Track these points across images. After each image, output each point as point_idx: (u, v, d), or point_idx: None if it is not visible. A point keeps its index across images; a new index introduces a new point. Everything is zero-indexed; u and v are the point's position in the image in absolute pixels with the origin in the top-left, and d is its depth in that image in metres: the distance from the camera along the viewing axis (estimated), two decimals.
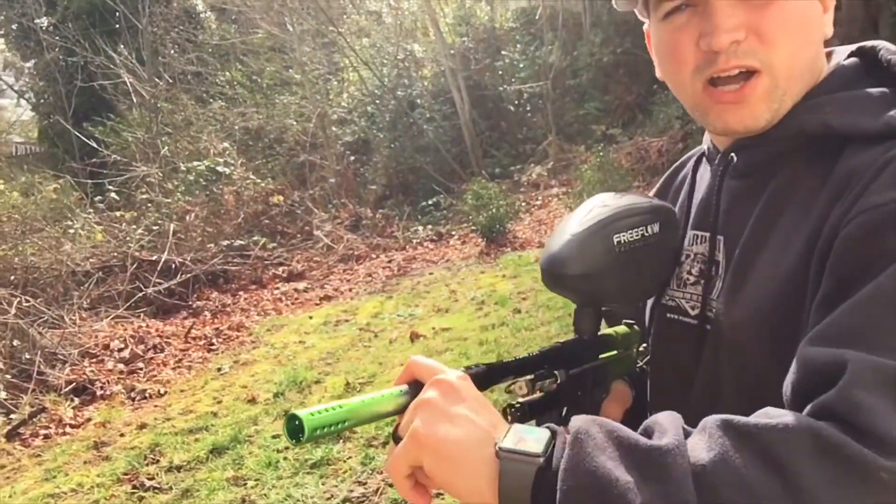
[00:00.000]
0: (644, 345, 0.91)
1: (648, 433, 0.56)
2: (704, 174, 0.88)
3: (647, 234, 0.80)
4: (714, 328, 0.78)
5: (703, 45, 0.71)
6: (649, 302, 0.91)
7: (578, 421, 0.56)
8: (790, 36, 0.70)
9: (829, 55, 0.81)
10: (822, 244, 0.66)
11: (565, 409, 0.79)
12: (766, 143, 0.77)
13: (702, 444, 0.53)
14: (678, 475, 0.51)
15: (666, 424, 0.56)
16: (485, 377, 0.68)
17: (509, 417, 0.71)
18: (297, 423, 0.55)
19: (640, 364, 0.91)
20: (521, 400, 0.73)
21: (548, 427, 0.57)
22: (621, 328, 0.89)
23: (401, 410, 0.62)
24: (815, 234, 0.67)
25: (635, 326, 0.90)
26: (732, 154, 0.79)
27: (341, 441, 3.66)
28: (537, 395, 0.74)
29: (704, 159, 0.89)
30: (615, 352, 0.86)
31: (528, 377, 0.73)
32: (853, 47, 0.79)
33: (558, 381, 0.75)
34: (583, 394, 0.80)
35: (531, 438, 0.55)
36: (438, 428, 0.56)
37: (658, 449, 0.53)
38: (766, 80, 0.71)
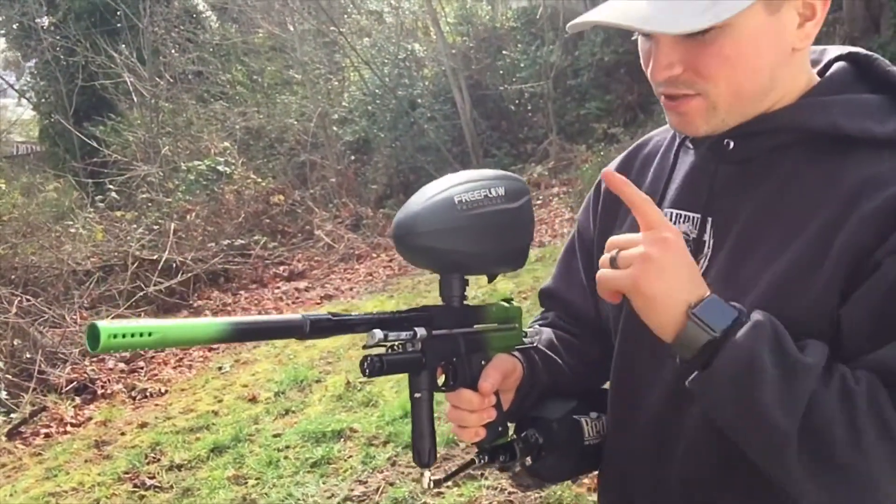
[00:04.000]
0: (530, 327, 0.95)
1: (800, 347, 0.70)
2: (686, 157, 0.91)
3: (490, 196, 0.83)
4: None
5: (649, 73, 0.79)
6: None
7: (760, 314, 0.70)
8: (731, 70, 0.74)
9: (821, 52, 0.85)
10: (848, 246, 0.72)
11: (444, 376, 0.85)
12: (768, 134, 0.80)
13: (835, 385, 0.68)
14: (802, 389, 0.67)
15: (818, 351, 0.70)
16: (328, 327, 0.71)
17: (366, 370, 0.75)
18: (96, 331, 0.56)
19: (531, 341, 0.95)
20: (375, 352, 0.76)
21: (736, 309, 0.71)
22: (499, 303, 0.92)
23: (214, 341, 0.63)
24: (830, 233, 0.73)
25: (514, 303, 0.94)
26: (728, 140, 0.82)
27: (342, 440, 3.66)
28: (395, 351, 0.78)
29: (687, 142, 0.91)
30: (494, 324, 0.90)
31: (379, 329, 0.75)
32: (844, 50, 0.83)
33: (418, 338, 0.78)
34: (458, 359, 0.84)
35: (718, 311, 0.70)
36: (655, 283, 0.70)
37: (801, 361, 0.68)
38: (703, 101, 0.77)
